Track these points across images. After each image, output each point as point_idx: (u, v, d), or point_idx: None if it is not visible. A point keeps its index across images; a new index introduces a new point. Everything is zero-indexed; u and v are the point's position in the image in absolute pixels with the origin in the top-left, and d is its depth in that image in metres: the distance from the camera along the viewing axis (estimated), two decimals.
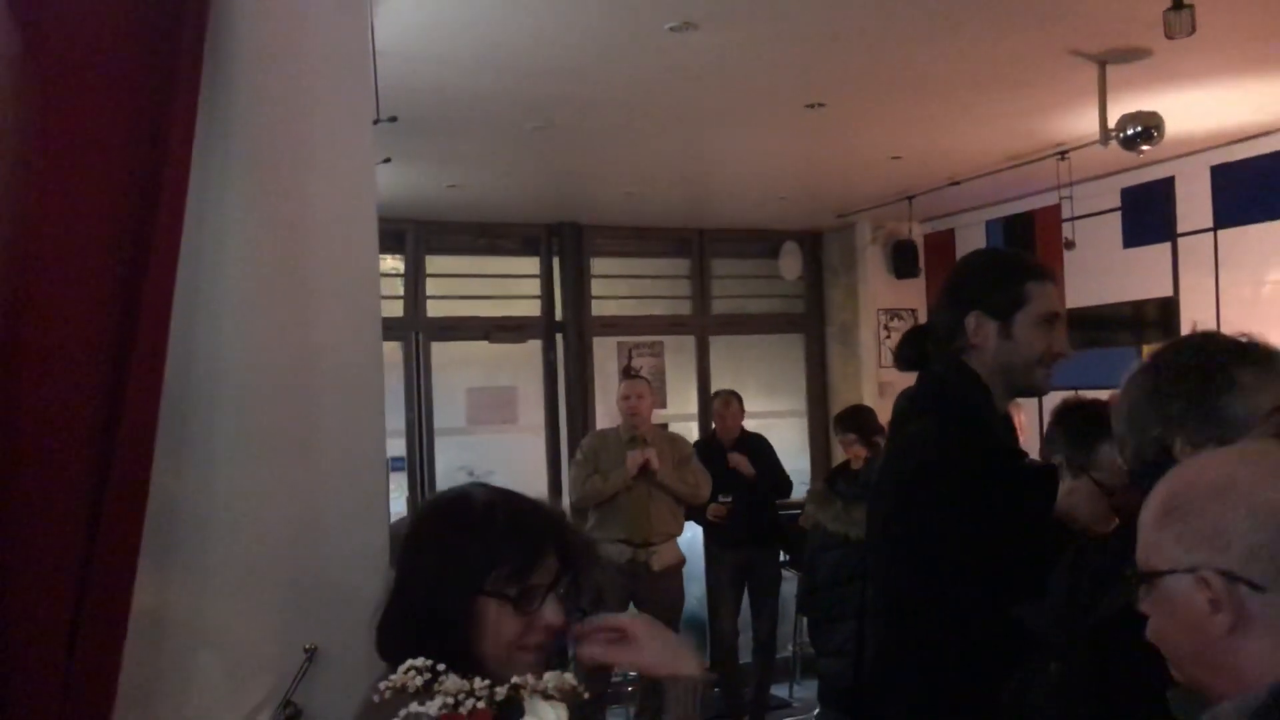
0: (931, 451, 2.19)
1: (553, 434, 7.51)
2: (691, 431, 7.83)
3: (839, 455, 8.08)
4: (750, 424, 6.75)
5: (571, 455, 7.40)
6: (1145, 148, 4.57)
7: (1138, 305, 6.43)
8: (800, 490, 7.36)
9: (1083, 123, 5.25)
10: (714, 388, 7.62)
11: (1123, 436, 1.79)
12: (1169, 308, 6.20)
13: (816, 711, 6.63)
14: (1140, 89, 4.67)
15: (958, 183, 6.46)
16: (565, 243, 7.50)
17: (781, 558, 6.67)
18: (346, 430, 2.01)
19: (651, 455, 5.59)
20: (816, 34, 3.99)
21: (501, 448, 7.52)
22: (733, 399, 6.63)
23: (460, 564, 1.59)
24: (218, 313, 1.92)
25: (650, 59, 4.11)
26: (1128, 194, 6.44)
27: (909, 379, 7.39)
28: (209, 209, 1.90)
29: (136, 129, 1.80)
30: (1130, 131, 4.54)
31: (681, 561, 5.84)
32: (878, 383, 7.75)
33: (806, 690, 7.07)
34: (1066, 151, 5.76)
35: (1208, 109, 5.15)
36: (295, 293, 1.99)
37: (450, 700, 1.33)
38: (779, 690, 7.09)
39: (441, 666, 1.39)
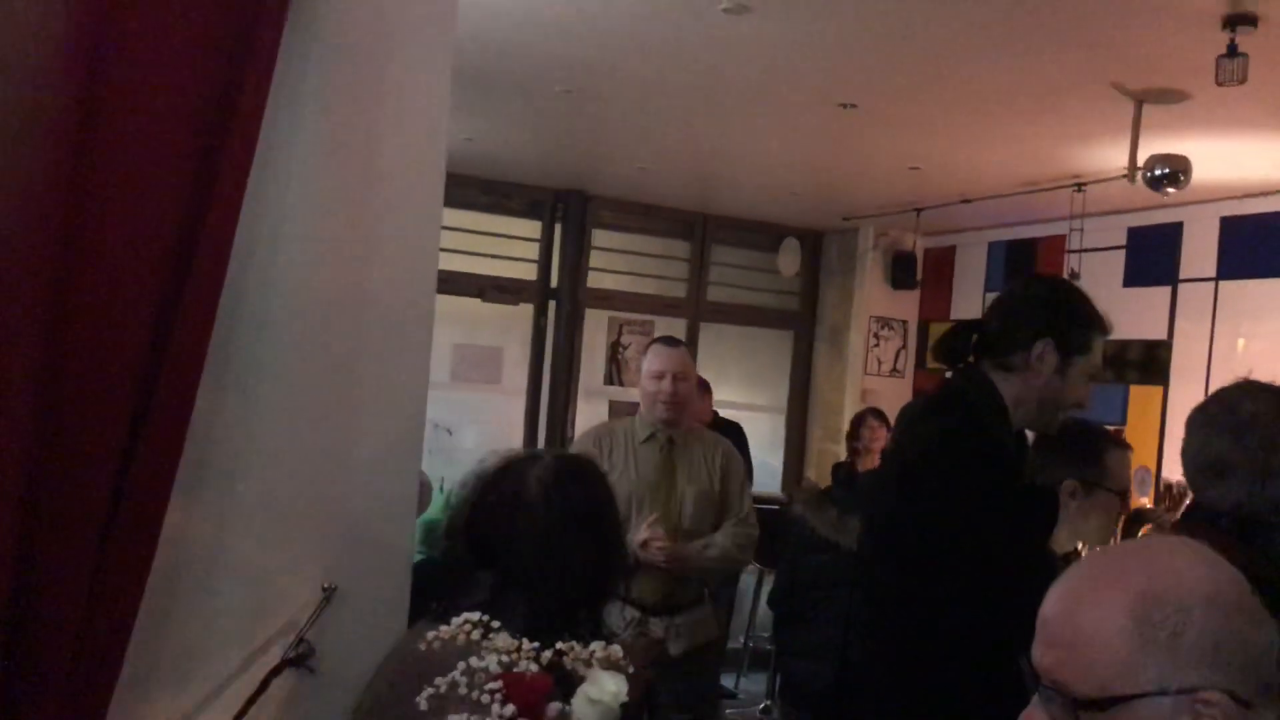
0: (936, 448, 2.22)
1: (533, 399, 7.48)
2: None
3: (814, 455, 8.14)
4: (726, 414, 6.74)
5: (552, 425, 7.41)
6: (1170, 190, 4.60)
7: (1129, 345, 6.48)
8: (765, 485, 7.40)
9: (1105, 157, 5.28)
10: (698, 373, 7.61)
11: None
12: (1161, 351, 6.26)
13: (762, 705, 6.68)
14: (1169, 131, 4.69)
15: (969, 200, 6.47)
16: (570, 210, 7.45)
17: None
18: (390, 378, 1.98)
19: (656, 535, 3.51)
20: (865, 33, 3.98)
21: (481, 407, 7.50)
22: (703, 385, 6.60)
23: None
24: (275, 244, 1.87)
25: (697, 37, 4.08)
26: (1134, 233, 6.49)
27: (890, 388, 7.46)
28: (279, 138, 1.85)
29: (215, 54, 1.75)
30: (1158, 172, 4.56)
31: (715, 640, 3.93)
32: (861, 389, 7.78)
33: (753, 684, 7.11)
34: (1083, 184, 5.79)
35: (1230, 159, 5.19)
36: (355, 235, 1.95)
37: (505, 659, 1.32)
38: (725, 680, 7.13)
39: (497, 624, 1.38)
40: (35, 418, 1.58)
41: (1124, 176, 4.88)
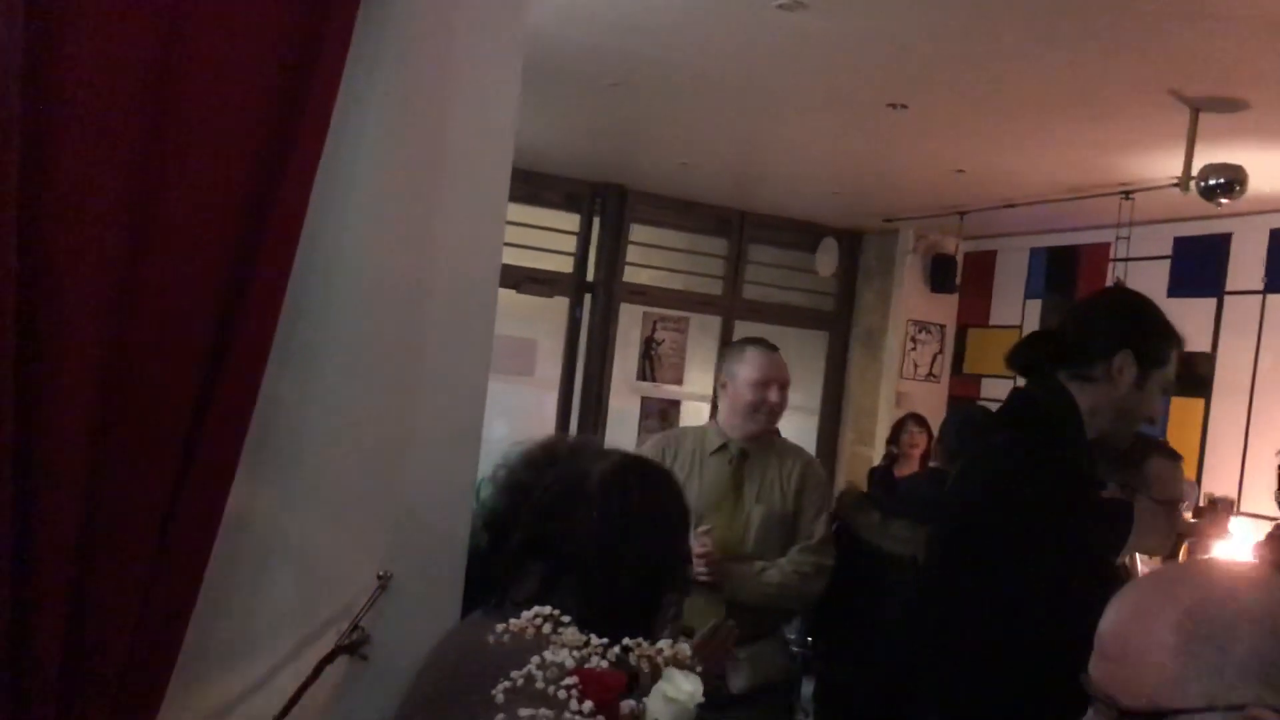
0: (1011, 462, 2.19)
1: (566, 392, 7.47)
2: (702, 413, 7.80)
3: (846, 458, 8.10)
4: None
5: (584, 419, 7.40)
6: (1224, 200, 4.53)
7: None
8: None
9: (1155, 165, 5.22)
10: None
11: None
12: (1204, 364, 6.17)
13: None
14: (1223, 139, 4.62)
15: (1014, 205, 6.41)
16: (608, 204, 7.44)
17: None
18: (451, 369, 1.96)
19: (703, 547, 3.08)
20: (920, 33, 3.94)
21: (513, 398, 7.47)
22: None
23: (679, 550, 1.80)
24: (342, 226, 1.85)
25: (751, 33, 4.04)
26: (1180, 243, 6.41)
27: (925, 392, 7.42)
28: (349, 128, 1.83)
29: (287, 43, 1.72)
30: (1212, 182, 4.50)
31: (785, 676, 3.40)
32: (896, 392, 7.72)
33: None
34: (1131, 191, 5.72)
35: None
36: (421, 221, 1.93)
37: (575, 654, 1.30)
38: None
39: (567, 619, 1.36)
40: (100, 400, 1.57)
41: (1175, 185, 4.82)
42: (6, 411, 1.48)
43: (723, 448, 3.28)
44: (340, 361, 1.88)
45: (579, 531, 1.70)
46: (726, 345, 3.42)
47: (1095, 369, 2.16)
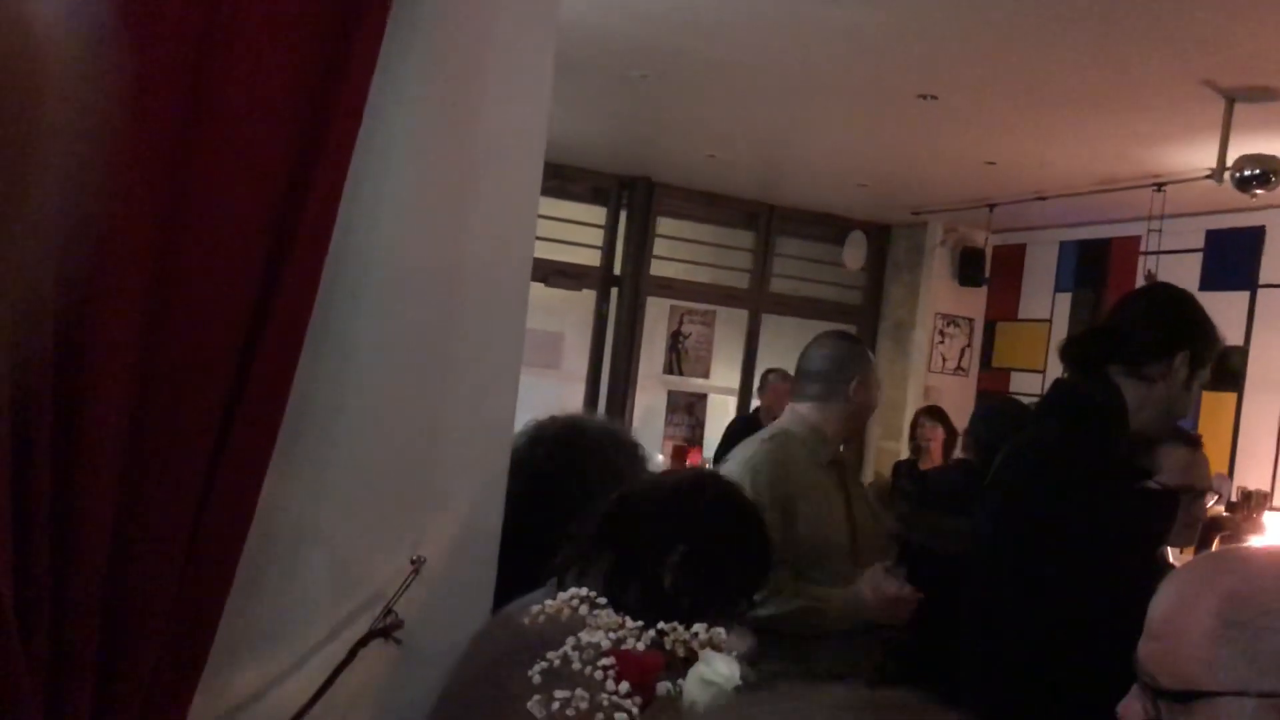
0: (1057, 451, 2.21)
1: (593, 385, 7.47)
2: (729, 407, 7.79)
3: (873, 452, 8.06)
4: None
5: (610, 412, 7.39)
6: (1259, 191, 4.49)
7: None
8: None
9: (1188, 156, 5.16)
10: (758, 365, 7.59)
11: None
12: (1237, 357, 6.11)
13: None
14: (1258, 130, 4.57)
15: (1044, 198, 6.36)
16: (635, 197, 7.43)
17: None
18: (485, 356, 1.97)
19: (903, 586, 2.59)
20: (952, 23, 3.91)
21: (539, 391, 7.46)
22: (789, 379, 6.58)
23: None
24: (376, 214, 1.86)
25: (780, 24, 4.03)
26: (1212, 236, 6.35)
27: (953, 386, 7.38)
28: (383, 118, 1.83)
29: (322, 31, 1.72)
30: (1247, 173, 4.45)
31: None
32: (924, 386, 7.68)
33: None
34: (1163, 183, 5.67)
35: None
36: (454, 211, 1.94)
37: (611, 636, 1.30)
38: None
39: (603, 600, 1.36)
40: (135, 389, 1.57)
41: (1208, 176, 4.77)
42: (45, 401, 1.49)
43: (833, 463, 2.77)
44: (375, 351, 1.88)
45: (643, 539, 1.73)
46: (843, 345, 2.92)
47: (1152, 367, 2.17)
